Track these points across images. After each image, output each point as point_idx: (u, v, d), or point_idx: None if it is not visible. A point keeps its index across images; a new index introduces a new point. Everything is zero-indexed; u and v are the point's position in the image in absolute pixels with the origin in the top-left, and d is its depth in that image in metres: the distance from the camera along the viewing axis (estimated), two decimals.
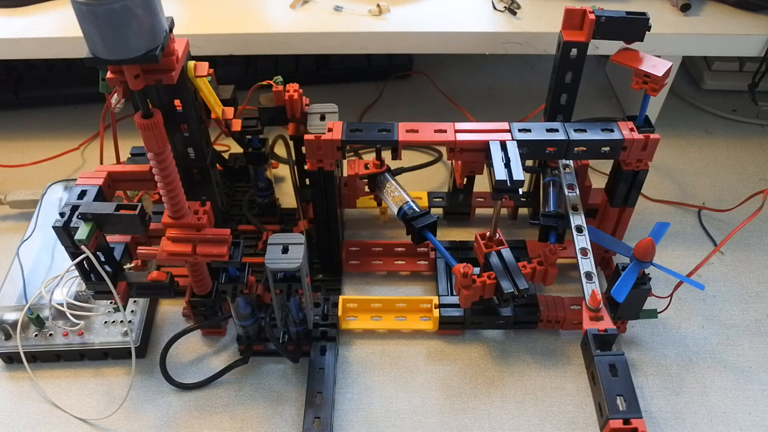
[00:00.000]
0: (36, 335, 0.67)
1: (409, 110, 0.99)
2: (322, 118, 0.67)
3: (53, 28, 0.80)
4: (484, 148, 0.63)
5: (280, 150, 0.83)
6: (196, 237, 0.56)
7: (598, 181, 0.76)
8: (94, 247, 0.56)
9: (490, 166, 0.60)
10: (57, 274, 0.64)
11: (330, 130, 0.64)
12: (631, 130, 0.64)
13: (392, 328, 0.71)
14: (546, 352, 0.69)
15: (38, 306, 0.69)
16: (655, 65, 0.64)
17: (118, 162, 0.76)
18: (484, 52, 0.82)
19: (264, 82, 0.67)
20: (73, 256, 0.57)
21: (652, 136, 0.63)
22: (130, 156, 0.73)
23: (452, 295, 0.71)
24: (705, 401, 0.65)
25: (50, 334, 0.67)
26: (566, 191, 0.69)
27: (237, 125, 0.69)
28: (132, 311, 0.70)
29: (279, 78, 0.67)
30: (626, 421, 0.53)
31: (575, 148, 0.64)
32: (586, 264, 0.64)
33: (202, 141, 0.64)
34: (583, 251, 0.65)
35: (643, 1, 0.85)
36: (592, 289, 0.62)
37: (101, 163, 0.79)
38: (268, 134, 0.75)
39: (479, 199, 0.82)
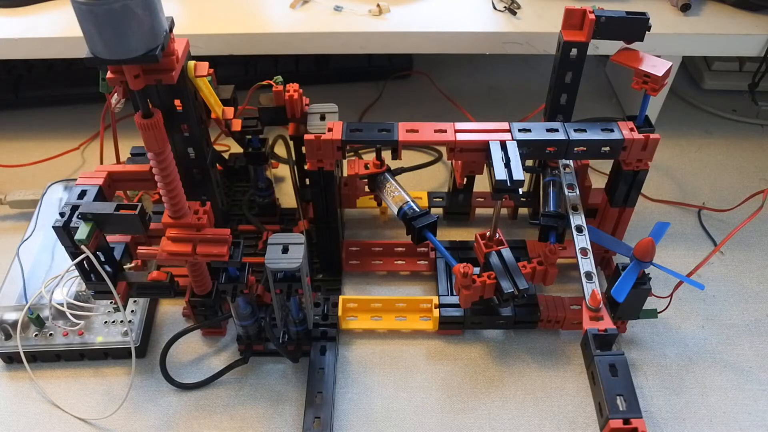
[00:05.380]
0: (36, 335, 0.67)
1: (409, 110, 0.99)
2: (322, 118, 0.67)
3: (53, 28, 0.80)
4: (484, 148, 0.63)
5: (280, 150, 0.83)
6: (196, 237, 0.56)
7: (598, 181, 0.76)
8: (94, 247, 0.56)
9: (490, 166, 0.60)
10: (57, 274, 0.64)
11: (330, 130, 0.64)
12: (631, 130, 0.64)
13: (392, 328, 0.71)
14: (546, 352, 0.69)
15: (38, 306, 0.69)
16: (655, 65, 0.64)
17: (118, 162, 0.76)
18: (484, 52, 0.82)
19: (264, 82, 0.67)
20: (73, 256, 0.57)
21: (652, 136, 0.63)
22: (130, 156, 0.73)
23: (452, 295, 0.71)
24: (705, 401, 0.65)
25: (50, 334, 0.67)
26: (566, 191, 0.69)
27: (237, 125, 0.69)
28: (132, 311, 0.70)
29: (279, 78, 0.67)
30: (626, 421, 0.53)
31: (575, 148, 0.64)
32: (586, 264, 0.64)
33: (202, 141, 0.64)
34: (583, 251, 0.65)
35: (643, 1, 0.85)
36: (592, 289, 0.62)
37: (101, 163, 0.79)
38: (268, 134, 0.75)
39: (479, 199, 0.82)
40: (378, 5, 0.82)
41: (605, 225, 0.72)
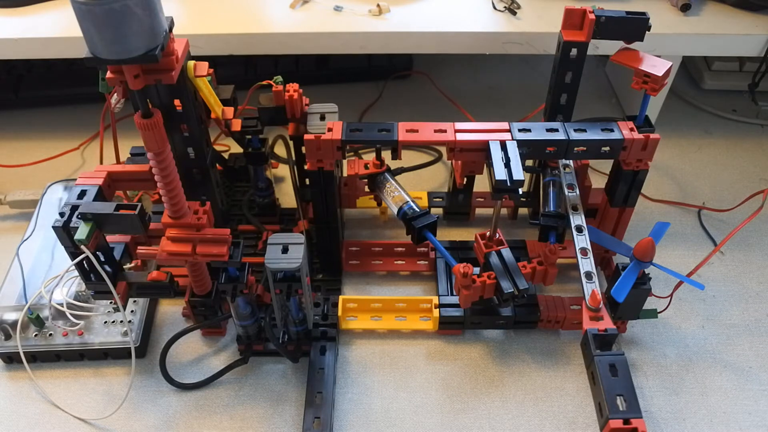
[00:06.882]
0: (36, 335, 0.67)
1: (409, 110, 0.99)
2: (322, 118, 0.67)
3: (53, 28, 0.80)
4: (484, 148, 0.63)
5: (280, 150, 0.83)
6: (195, 237, 0.56)
7: (598, 181, 0.76)
8: (94, 247, 0.56)
9: (490, 166, 0.60)
10: (57, 274, 0.64)
11: (330, 130, 0.64)
12: (631, 130, 0.64)
13: (392, 328, 0.71)
14: (546, 352, 0.69)
15: (38, 306, 0.69)
16: (655, 65, 0.64)
17: (118, 162, 0.76)
18: (484, 52, 0.82)
19: (264, 82, 0.67)
20: (73, 256, 0.57)
21: (652, 136, 0.63)
22: (130, 156, 0.73)
23: (452, 295, 0.71)
24: (705, 401, 0.65)
25: (50, 334, 0.67)
26: (566, 191, 0.69)
27: (237, 125, 0.69)
28: (132, 311, 0.70)
29: (279, 78, 0.67)
30: (626, 421, 0.53)
31: (575, 148, 0.64)
32: (586, 264, 0.64)
33: (202, 141, 0.64)
34: (583, 251, 0.64)
35: (643, 1, 0.85)
36: (592, 289, 0.62)
37: (101, 163, 0.79)
38: (268, 134, 0.75)
39: (479, 199, 0.82)
40: (378, 5, 0.82)
41: (605, 225, 0.72)
